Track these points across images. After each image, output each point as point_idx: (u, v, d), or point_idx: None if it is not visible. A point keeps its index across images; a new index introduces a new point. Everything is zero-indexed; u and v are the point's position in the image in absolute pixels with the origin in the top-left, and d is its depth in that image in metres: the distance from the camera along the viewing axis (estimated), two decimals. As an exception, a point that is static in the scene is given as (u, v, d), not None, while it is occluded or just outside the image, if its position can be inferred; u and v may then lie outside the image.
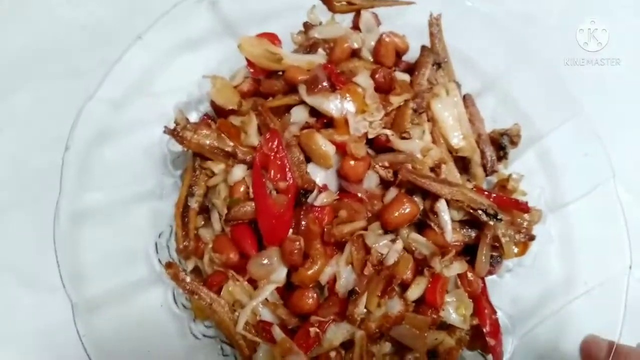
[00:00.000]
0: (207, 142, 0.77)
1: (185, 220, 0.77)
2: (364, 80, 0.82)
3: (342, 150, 0.76)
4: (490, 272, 0.80)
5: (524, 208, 0.82)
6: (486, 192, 0.82)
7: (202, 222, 0.80)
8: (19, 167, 0.94)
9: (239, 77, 0.87)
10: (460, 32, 0.96)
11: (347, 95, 0.79)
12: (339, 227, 0.73)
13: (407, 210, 0.73)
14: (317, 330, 0.69)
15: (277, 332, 0.70)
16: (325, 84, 0.79)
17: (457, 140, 0.85)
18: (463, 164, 0.89)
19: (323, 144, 0.76)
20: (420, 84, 0.87)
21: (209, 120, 0.83)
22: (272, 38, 0.89)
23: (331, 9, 0.91)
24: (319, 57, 0.87)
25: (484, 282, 0.80)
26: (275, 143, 0.75)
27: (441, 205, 0.75)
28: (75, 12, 1.05)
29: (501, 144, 0.92)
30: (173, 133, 0.76)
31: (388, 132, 0.79)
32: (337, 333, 0.69)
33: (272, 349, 0.69)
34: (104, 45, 0.89)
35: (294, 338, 0.69)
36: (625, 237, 0.82)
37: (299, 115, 0.80)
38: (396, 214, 0.73)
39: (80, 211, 0.75)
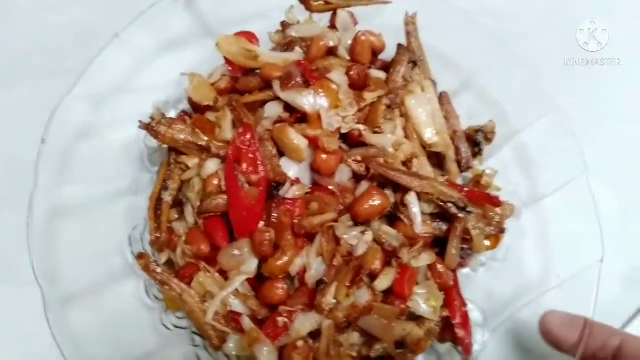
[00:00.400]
0: (182, 136, 0.79)
1: (158, 213, 0.78)
2: (338, 76, 0.84)
3: (314, 144, 0.78)
4: (461, 265, 0.81)
5: (495, 202, 0.82)
6: (458, 186, 0.82)
7: (176, 216, 0.81)
8: (7, 166, 0.96)
9: (216, 75, 0.89)
10: (439, 30, 0.98)
11: (321, 90, 0.80)
12: (310, 219, 0.74)
13: (377, 202, 0.74)
14: (286, 319, 0.69)
15: (247, 323, 0.70)
16: (299, 80, 0.80)
17: (430, 135, 0.86)
18: (438, 160, 0.90)
19: (295, 137, 0.77)
20: (395, 81, 0.89)
21: (186, 117, 0.85)
22: (250, 37, 0.91)
23: (308, 8, 0.93)
24: (296, 55, 0.88)
25: (455, 275, 0.81)
26: (248, 137, 0.76)
27: (411, 197, 0.76)
28: (59, 15, 1.07)
29: (476, 140, 0.93)
30: (148, 127, 0.78)
31: (361, 127, 0.81)
32: (305, 323, 0.70)
33: (241, 339, 0.70)
34: (88, 45, 0.90)
35: (262, 328, 0.70)
36: (598, 231, 0.82)
37: (272, 110, 0.81)
38: (366, 206, 0.74)
39: (55, 205, 0.76)
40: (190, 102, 0.87)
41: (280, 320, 0.69)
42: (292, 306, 0.71)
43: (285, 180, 0.76)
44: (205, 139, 0.79)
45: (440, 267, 0.77)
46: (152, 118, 0.79)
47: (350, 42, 0.92)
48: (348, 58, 0.92)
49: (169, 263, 0.79)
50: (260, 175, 0.75)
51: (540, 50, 0.98)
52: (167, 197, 0.79)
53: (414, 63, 0.93)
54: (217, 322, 0.71)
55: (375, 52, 0.94)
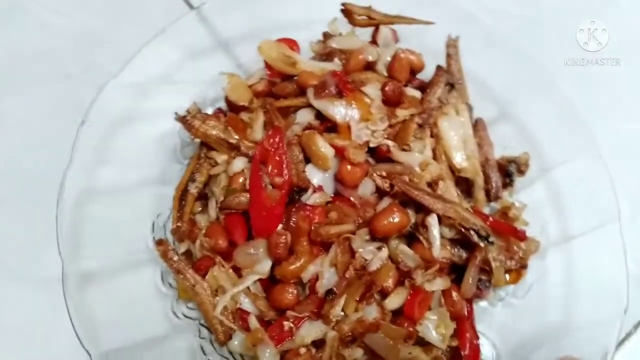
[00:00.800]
0: (214, 132, 0.81)
1: (183, 203, 0.80)
2: (372, 90, 0.85)
3: (341, 154, 0.78)
4: (477, 296, 0.79)
5: (520, 236, 0.80)
6: (483, 215, 0.81)
7: (200, 209, 0.83)
8: (9, 167, 0.95)
9: (254, 77, 0.91)
10: (481, 58, 0.98)
11: (353, 102, 0.81)
12: (327, 228, 0.74)
13: (397, 220, 0.74)
14: (292, 325, 0.69)
15: (253, 322, 0.71)
16: (333, 89, 0.81)
17: (459, 159, 0.85)
18: (467, 186, 0.89)
19: (322, 145, 0.78)
20: (429, 102, 0.88)
21: (220, 114, 0.87)
22: (291, 44, 0.93)
23: (351, 22, 0.94)
24: (334, 65, 0.90)
25: (470, 306, 0.79)
26: (277, 139, 0.78)
27: (432, 219, 0.75)
28: (66, 20, 1.08)
29: (508, 171, 0.91)
30: (183, 120, 0.80)
31: (390, 142, 0.81)
32: (310, 330, 0.69)
33: (245, 338, 0.70)
34: (93, 51, 0.94)
35: (267, 330, 0.70)
36: (625, 280, 0.79)
37: (304, 116, 0.82)
38: (385, 222, 0.73)
39: (85, 188, 0.79)
40: (227, 101, 0.89)
41: (287, 324, 0.69)
42: (299, 312, 0.70)
43: (308, 186, 0.77)
44: (236, 137, 0.81)
45: (455, 294, 0.76)
46: (188, 112, 0.82)
47: (389, 58, 0.93)
48: (385, 74, 0.92)
49: (187, 254, 0.81)
50: (284, 178, 0.76)
51: (540, 50, 0.96)
52: (193, 189, 0.81)
53: (452, 86, 0.93)
54: (224, 317, 0.72)
55: (414, 71, 0.94)
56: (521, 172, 0.92)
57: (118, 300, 0.78)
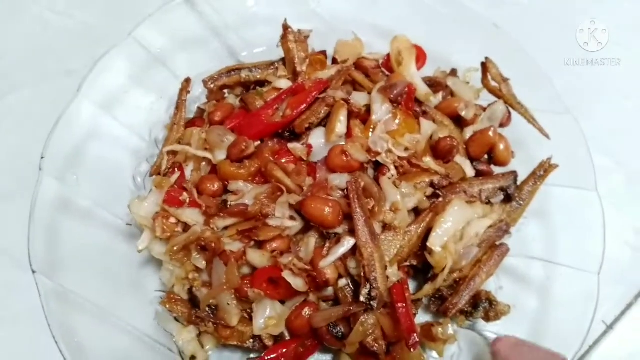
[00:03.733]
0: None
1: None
2: (429, 126, 0.82)
3: (349, 136, 0.80)
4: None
5: (408, 345, 0.70)
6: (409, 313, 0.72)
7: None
8: (13, 159, 0.95)
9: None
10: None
11: (400, 117, 0.80)
12: (276, 170, 0.76)
13: (325, 211, 0.71)
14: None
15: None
16: (397, 95, 0.81)
17: (436, 242, 0.76)
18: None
19: (341, 120, 0.79)
20: (469, 182, 0.81)
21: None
22: (419, 51, 0.94)
23: (483, 81, 0.91)
24: (434, 98, 0.89)
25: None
26: (319, 87, 0.83)
27: (347, 243, 0.71)
28: (65, 18, 1.12)
29: (478, 303, 0.79)
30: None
31: (393, 171, 0.78)
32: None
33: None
34: (93, 46, 0.93)
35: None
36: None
37: (359, 98, 0.85)
38: (312, 206, 0.72)
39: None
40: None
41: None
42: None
43: (302, 134, 0.81)
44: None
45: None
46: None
47: (482, 127, 0.88)
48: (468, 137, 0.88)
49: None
50: (292, 114, 0.81)
51: (540, 50, 0.94)
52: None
53: (508, 197, 0.83)
54: (168, 157, 0.83)
55: (490, 152, 0.87)
56: (487, 317, 0.79)
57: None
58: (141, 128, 0.92)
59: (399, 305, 0.72)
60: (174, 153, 0.84)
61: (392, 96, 0.82)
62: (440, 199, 0.78)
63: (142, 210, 0.78)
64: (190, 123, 0.90)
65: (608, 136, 0.99)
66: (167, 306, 0.75)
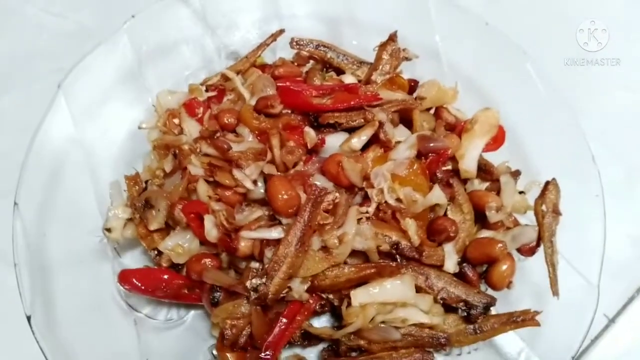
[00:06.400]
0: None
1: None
2: (437, 197, 0.75)
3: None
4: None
5: None
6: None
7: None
8: (5, 160, 0.90)
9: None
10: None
11: (415, 168, 0.75)
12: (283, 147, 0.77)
13: (285, 196, 0.71)
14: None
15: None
16: (428, 150, 0.77)
17: (358, 297, 0.70)
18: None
19: (363, 137, 0.77)
20: (439, 273, 0.74)
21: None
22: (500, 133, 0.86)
23: (537, 200, 0.79)
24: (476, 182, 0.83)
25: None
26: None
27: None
28: (59, 20, 1.11)
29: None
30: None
31: (373, 205, 0.73)
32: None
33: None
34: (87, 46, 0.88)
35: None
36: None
37: (398, 133, 0.81)
38: (279, 197, 0.70)
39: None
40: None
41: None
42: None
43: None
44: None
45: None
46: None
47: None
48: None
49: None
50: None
51: (540, 50, 0.95)
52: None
53: (468, 317, 0.73)
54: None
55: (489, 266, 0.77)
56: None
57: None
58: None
59: (283, 319, 0.70)
60: (226, 78, 0.91)
61: (423, 147, 0.77)
62: (394, 264, 0.72)
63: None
64: (260, 67, 0.95)
65: (608, 136, 0.99)
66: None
